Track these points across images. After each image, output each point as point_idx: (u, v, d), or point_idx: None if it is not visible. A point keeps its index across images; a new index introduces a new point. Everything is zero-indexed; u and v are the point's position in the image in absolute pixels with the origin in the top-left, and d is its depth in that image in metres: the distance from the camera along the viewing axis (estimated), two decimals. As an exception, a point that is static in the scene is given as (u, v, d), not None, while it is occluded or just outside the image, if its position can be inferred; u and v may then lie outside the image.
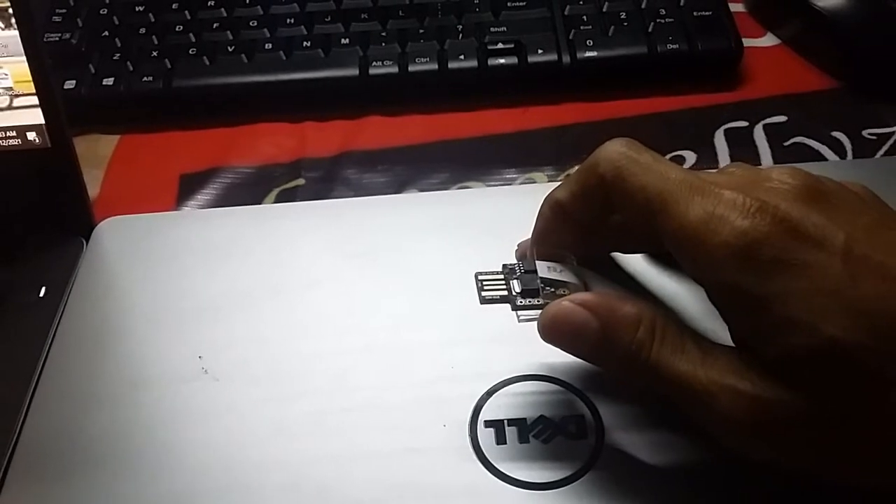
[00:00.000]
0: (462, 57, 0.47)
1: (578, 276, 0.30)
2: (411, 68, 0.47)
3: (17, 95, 0.37)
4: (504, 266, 0.31)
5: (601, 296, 0.27)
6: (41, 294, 0.36)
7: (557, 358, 0.30)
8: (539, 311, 0.27)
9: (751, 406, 0.23)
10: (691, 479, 0.27)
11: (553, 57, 0.47)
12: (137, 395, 0.31)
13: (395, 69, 0.47)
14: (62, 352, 0.33)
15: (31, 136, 0.37)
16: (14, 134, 0.37)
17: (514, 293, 0.30)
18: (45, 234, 0.38)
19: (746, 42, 0.47)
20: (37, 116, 0.37)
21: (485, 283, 0.30)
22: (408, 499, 0.27)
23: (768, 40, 0.49)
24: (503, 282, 0.30)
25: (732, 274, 0.24)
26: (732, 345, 0.25)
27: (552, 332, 0.27)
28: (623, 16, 0.49)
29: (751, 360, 0.24)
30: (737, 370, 0.24)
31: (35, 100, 0.37)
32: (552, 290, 0.29)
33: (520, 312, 0.29)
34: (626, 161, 0.26)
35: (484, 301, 0.30)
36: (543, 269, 0.29)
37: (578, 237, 0.30)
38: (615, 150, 0.27)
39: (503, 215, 0.36)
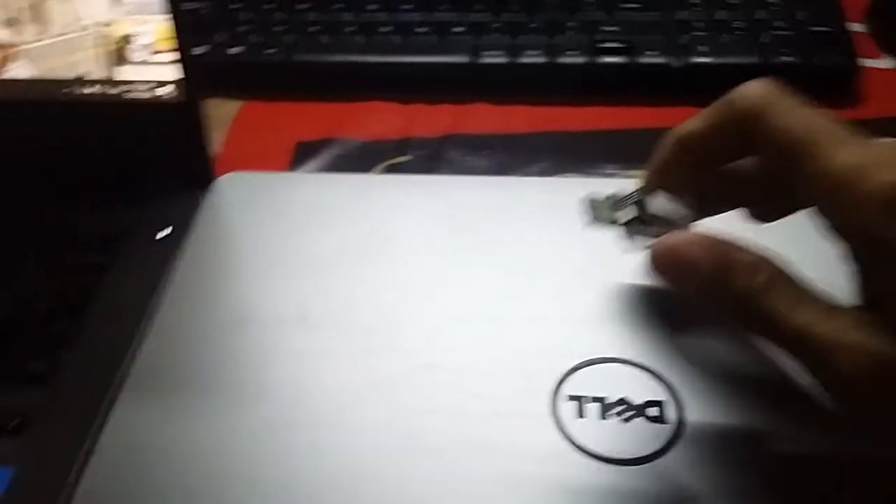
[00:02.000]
0: (572, 52, 0.48)
1: (691, 217, 0.29)
2: (521, 60, 0.48)
3: (157, 52, 0.40)
4: (617, 194, 0.31)
5: (717, 238, 0.26)
6: (163, 235, 0.39)
7: (647, 343, 0.31)
8: (648, 241, 0.27)
9: (876, 365, 0.23)
10: (765, 478, 0.28)
11: (663, 59, 0.48)
12: (242, 332, 0.34)
13: (504, 59, 0.48)
14: (178, 287, 0.36)
15: (166, 89, 0.40)
16: (150, 87, 0.40)
17: (624, 220, 0.29)
18: (170, 182, 0.41)
19: (863, 62, 0.47)
20: (174, 73, 0.40)
21: (596, 205, 0.30)
22: (485, 455, 0.29)
23: (886, 63, 0.49)
24: (615, 208, 0.30)
25: (880, 225, 0.22)
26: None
27: (662, 267, 0.26)
28: (736, 24, 0.49)
29: (880, 319, 0.23)
30: (864, 327, 0.23)
31: (174, 56, 0.39)
32: (664, 222, 0.28)
33: (629, 241, 0.29)
34: (771, 98, 0.25)
35: (592, 222, 0.30)
36: (658, 201, 0.29)
37: (698, 177, 0.29)
38: (758, 87, 0.26)
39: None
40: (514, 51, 0.49)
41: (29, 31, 0.40)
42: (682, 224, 0.29)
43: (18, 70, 0.40)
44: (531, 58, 0.48)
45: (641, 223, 0.29)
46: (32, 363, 0.34)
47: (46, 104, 0.40)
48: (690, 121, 0.29)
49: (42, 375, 0.34)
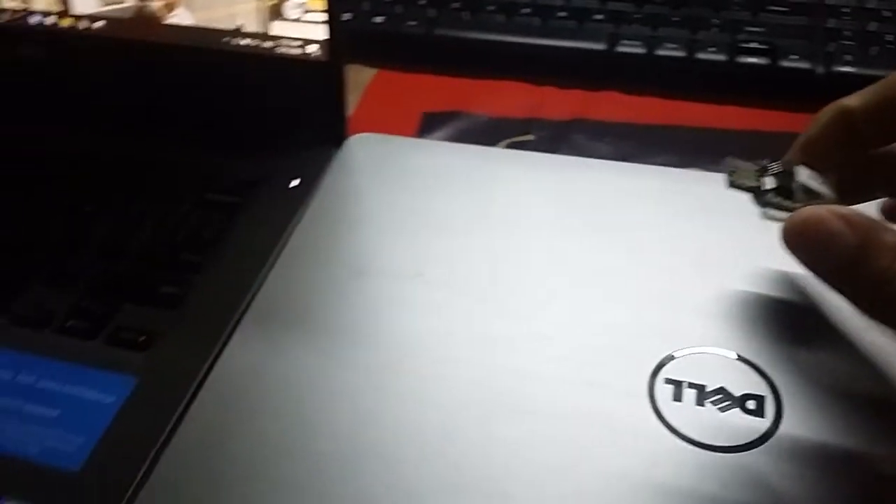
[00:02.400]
0: (712, 49, 0.48)
1: (833, 198, 0.28)
2: (658, 52, 0.48)
3: (308, 11, 0.42)
4: (760, 162, 0.30)
5: (863, 215, 0.25)
6: (293, 185, 0.41)
7: (756, 339, 0.31)
8: (787, 214, 0.26)
9: None
10: (851, 490, 0.27)
11: (806, 65, 0.46)
12: (358, 281, 0.35)
13: (642, 50, 0.48)
14: (303, 234, 0.38)
15: (313, 48, 0.42)
16: (299, 44, 0.42)
17: (765, 188, 0.29)
18: (305, 137, 0.43)
19: None
20: (321, 32, 0.42)
21: (737, 170, 0.30)
22: (574, 424, 0.29)
23: None
24: (759, 174, 0.29)
25: None
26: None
27: (799, 237, 0.25)
28: (888, 38, 0.47)
29: None
30: None
31: (323, 17, 0.41)
32: (806, 196, 0.27)
33: (767, 210, 0.28)
34: None
35: (731, 185, 0.30)
36: (804, 173, 0.28)
37: (851, 155, 0.28)
38: None
39: (723, 200, 0.37)
40: (653, 43, 0.48)
41: (195, -18, 0.43)
42: (824, 202, 0.28)
43: (180, 17, 0.43)
44: (669, 51, 0.48)
45: (783, 194, 0.28)
46: (165, 287, 0.37)
47: (203, 51, 0.43)
48: (854, 95, 0.27)
49: (172, 299, 0.36)
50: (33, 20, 0.45)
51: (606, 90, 0.48)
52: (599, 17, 0.50)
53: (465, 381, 0.31)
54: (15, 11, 0.45)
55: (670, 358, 0.31)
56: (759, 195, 0.29)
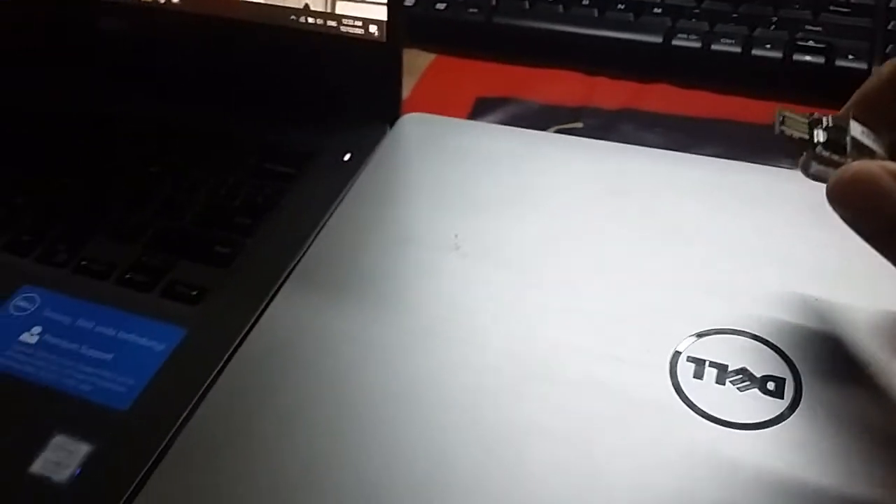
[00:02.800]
0: (768, 47, 0.48)
1: (888, 156, 0.27)
2: (714, 47, 0.48)
3: (371, -8, 0.43)
4: (811, 115, 0.29)
5: None
6: (345, 158, 0.43)
7: (782, 324, 0.31)
8: (833, 170, 0.25)
9: None
10: (865, 478, 0.27)
11: (864, 65, 0.46)
12: (399, 249, 0.37)
13: (698, 44, 0.48)
14: (351, 204, 0.40)
15: (373, 28, 0.44)
16: (360, 24, 0.44)
17: (816, 141, 0.27)
18: (361, 113, 0.44)
19: None
20: (382, 13, 0.43)
21: (787, 120, 0.28)
22: (598, 394, 0.30)
23: None
24: (808, 125, 0.28)
25: None
26: None
27: (846, 192, 0.24)
28: (953, 41, 0.46)
29: None
30: None
31: (386, 1, 0.43)
32: (857, 152, 0.26)
33: (814, 163, 0.27)
34: None
35: (780, 132, 0.28)
36: (856, 129, 0.27)
37: None
38: None
39: (763, 192, 0.37)
40: (709, 38, 0.49)
41: (264, -38, 0.45)
42: (879, 156, 0.27)
43: (251, -5, 0.45)
44: (725, 46, 0.48)
45: (832, 148, 0.27)
46: (218, 247, 0.39)
47: (271, 28, 0.45)
48: None
49: (224, 258, 0.38)
50: (114, -6, 0.48)
51: (658, 83, 0.49)
52: (657, 10, 0.51)
53: (496, 348, 0.32)
54: (98, -15, 0.48)
55: (695, 337, 0.31)
56: (808, 147, 0.28)
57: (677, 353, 0.31)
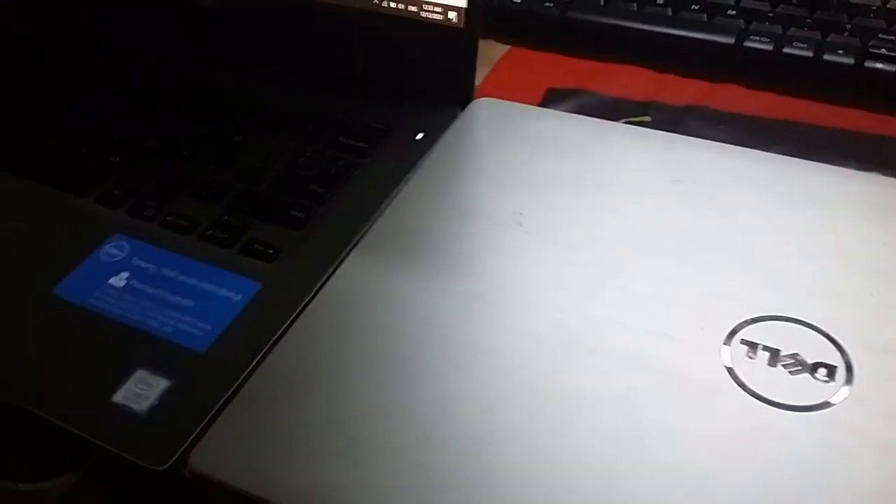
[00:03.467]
0: (840, 52, 0.48)
1: None
2: (786, 50, 0.49)
3: (453, -20, 0.45)
4: None
5: None
6: (417, 137, 0.45)
7: (840, 315, 0.32)
8: None
9: None
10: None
11: (937, 76, 0.46)
12: (463, 222, 0.38)
13: (769, 47, 0.49)
14: (420, 179, 0.41)
15: (452, 15, 0.46)
16: (440, 10, 0.46)
17: None
18: (435, 95, 0.46)
19: None
20: (462, 1, 0.45)
21: None
22: (649, 368, 0.31)
23: None
24: None
25: None
26: None
27: None
28: None
29: None
30: None
31: (465, -13, 0.45)
32: None
33: None
34: None
35: None
36: None
37: None
38: None
39: (827, 190, 0.38)
40: (781, 41, 0.49)
41: (353, -53, 0.47)
42: None
43: (338, -22, 0.48)
44: (797, 50, 0.49)
45: None
46: (294, 211, 0.41)
47: (355, 11, 0.47)
48: None
49: (298, 222, 0.40)
50: (210, -29, 0.51)
51: (728, 83, 0.50)
52: (731, 13, 0.51)
53: (550, 319, 0.33)
54: (196, -38, 0.51)
55: (751, 322, 0.32)
56: None
57: (730, 335, 0.32)
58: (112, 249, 0.40)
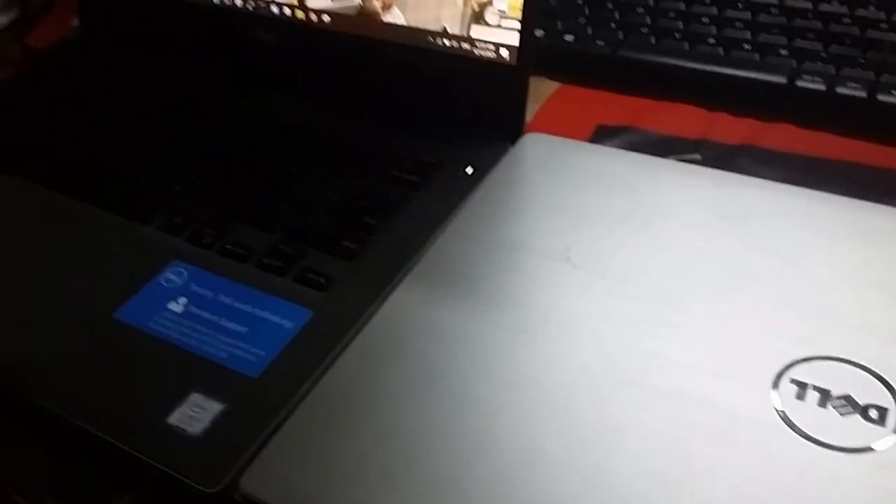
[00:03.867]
0: (893, 92, 0.48)
1: None
2: (839, 90, 0.49)
3: (505, 18, 0.46)
4: None
5: None
6: (468, 171, 0.45)
7: (887, 356, 0.32)
8: None
9: None
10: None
11: None
12: (512, 257, 0.39)
13: (822, 87, 0.49)
14: (469, 212, 0.42)
15: (504, 53, 0.47)
16: (492, 47, 0.47)
17: None
18: (486, 130, 0.47)
19: None
20: (514, 39, 0.46)
21: None
22: (695, 405, 0.31)
23: None
24: None
25: None
26: None
27: None
28: None
29: None
30: None
31: (517, 25, 0.46)
32: None
33: None
34: None
35: None
36: None
37: None
38: None
39: (886, 231, 0.38)
40: (834, 81, 0.49)
41: (410, -14, 0.48)
42: None
43: (394, 16, 0.49)
44: (850, 90, 0.48)
45: None
46: (346, 242, 0.42)
47: (410, 48, 0.49)
48: None
49: (350, 252, 0.41)
50: (274, 9, 0.53)
51: (780, 122, 0.50)
52: (784, 52, 0.51)
53: (596, 353, 0.34)
54: (259, 0, 0.53)
55: (801, 361, 0.32)
56: None
57: (780, 375, 0.32)
58: (172, 275, 0.41)
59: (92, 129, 0.52)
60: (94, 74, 0.58)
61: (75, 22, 0.62)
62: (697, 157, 0.48)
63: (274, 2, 0.52)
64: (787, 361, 0.32)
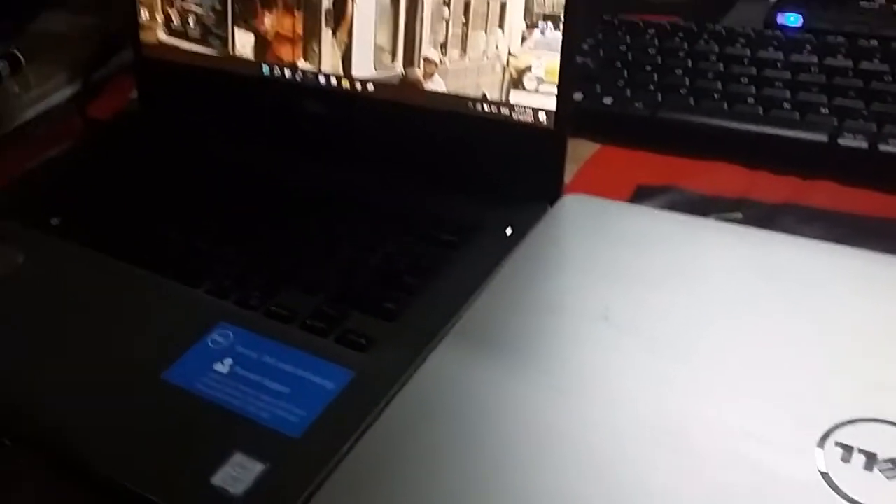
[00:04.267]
0: (940, 150, 0.47)
1: None
2: (882, 148, 0.48)
3: (542, 83, 0.47)
4: None
5: None
6: (507, 232, 0.46)
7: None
8: None
9: None
10: None
11: None
12: (551, 318, 0.39)
13: (864, 144, 0.49)
14: (508, 273, 0.43)
15: (542, 116, 0.48)
16: (530, 112, 0.48)
17: None
18: (523, 191, 0.48)
19: None
20: (551, 103, 0.47)
21: None
22: (738, 468, 0.30)
23: None
24: None
25: None
26: None
27: None
28: None
29: None
30: None
31: (554, 90, 0.47)
32: None
33: None
34: None
35: None
36: None
37: None
38: None
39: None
40: (877, 139, 0.49)
41: (452, 54, 0.50)
42: None
43: (436, 84, 0.51)
44: (893, 147, 0.48)
45: None
46: (387, 303, 0.43)
47: (451, 114, 0.50)
48: None
49: (391, 313, 0.42)
50: (321, 80, 0.55)
51: (823, 179, 0.49)
52: (824, 111, 0.51)
53: (636, 414, 0.33)
54: (306, 72, 0.55)
55: (845, 424, 0.31)
56: None
57: (825, 437, 0.31)
58: (218, 337, 0.42)
59: (147, 197, 0.55)
60: (151, 144, 0.61)
61: (133, 94, 0.66)
62: (739, 215, 0.48)
63: (321, 73, 0.54)
64: (832, 423, 0.31)
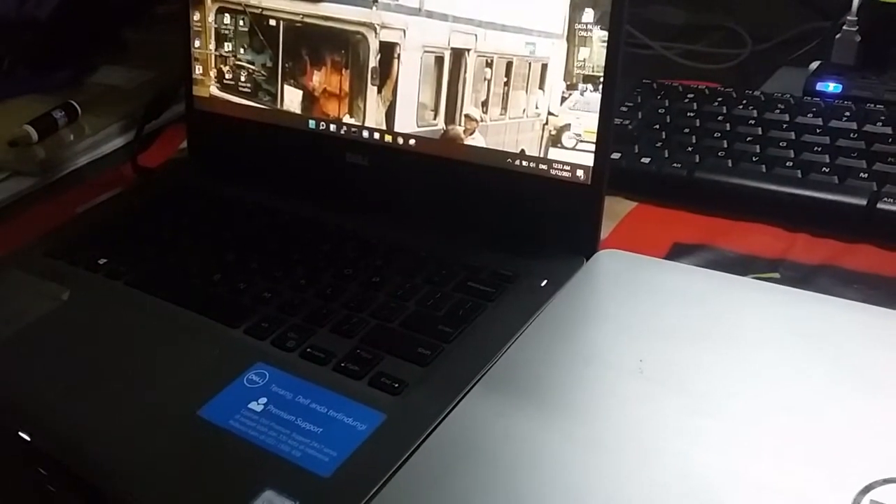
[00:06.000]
0: (981, 215, 0.47)
1: None
2: (922, 212, 0.48)
3: (581, 141, 0.48)
4: None
5: None
6: (542, 284, 0.47)
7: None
8: None
9: None
10: None
11: None
12: (584, 369, 0.39)
13: (903, 209, 0.49)
14: (542, 324, 0.43)
15: (579, 173, 0.48)
16: (568, 168, 0.49)
17: None
18: (559, 245, 0.49)
19: None
20: (589, 160, 0.48)
21: None
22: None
23: None
24: None
25: None
26: None
27: None
28: None
29: None
30: None
31: (592, 148, 0.48)
32: None
33: None
34: None
35: None
36: None
37: None
38: None
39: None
40: (916, 204, 0.49)
41: (492, 112, 0.51)
42: None
43: (476, 140, 0.52)
44: (933, 212, 0.48)
45: None
46: (421, 349, 0.43)
47: (490, 168, 0.51)
48: None
49: (425, 358, 0.43)
50: (364, 134, 0.56)
51: (862, 243, 0.49)
52: (863, 175, 0.51)
53: (671, 468, 0.33)
54: (351, 126, 0.57)
55: (882, 482, 0.31)
56: None
57: (861, 494, 0.30)
58: (254, 376, 0.43)
59: (191, 241, 0.56)
60: (198, 191, 0.63)
61: (183, 144, 0.68)
62: (776, 275, 0.48)
63: (365, 127, 0.56)
64: (867, 482, 0.31)
